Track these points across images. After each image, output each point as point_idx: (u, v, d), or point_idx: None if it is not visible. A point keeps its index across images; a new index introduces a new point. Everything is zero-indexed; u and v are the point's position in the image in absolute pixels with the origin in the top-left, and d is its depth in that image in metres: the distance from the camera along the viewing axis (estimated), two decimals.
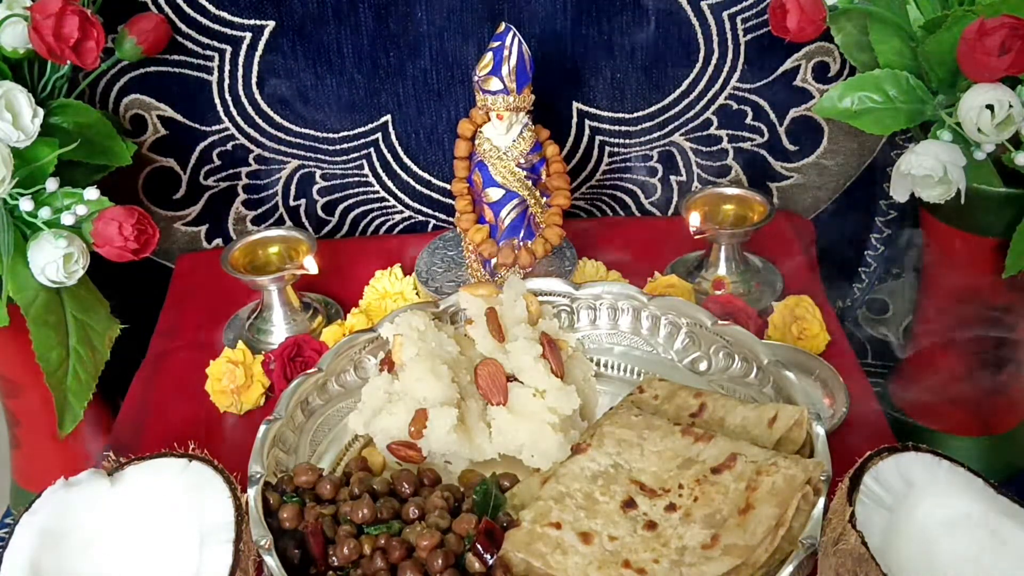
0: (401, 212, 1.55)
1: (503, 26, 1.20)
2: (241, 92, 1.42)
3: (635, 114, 1.47)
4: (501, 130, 1.23)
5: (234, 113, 1.44)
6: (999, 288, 1.25)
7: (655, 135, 1.49)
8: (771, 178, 1.53)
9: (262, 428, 1.03)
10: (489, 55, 1.19)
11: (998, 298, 1.28)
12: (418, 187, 1.52)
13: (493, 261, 1.27)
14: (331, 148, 1.48)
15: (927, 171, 1.13)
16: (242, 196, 1.51)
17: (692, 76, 1.44)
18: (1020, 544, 0.87)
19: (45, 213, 1.16)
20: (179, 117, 1.44)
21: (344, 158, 1.49)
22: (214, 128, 1.45)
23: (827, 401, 1.17)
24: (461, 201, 1.28)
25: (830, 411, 1.15)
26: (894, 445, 0.92)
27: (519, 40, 1.19)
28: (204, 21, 1.37)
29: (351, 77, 1.41)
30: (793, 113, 1.48)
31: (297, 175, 1.50)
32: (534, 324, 1.15)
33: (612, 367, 1.21)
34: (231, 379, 1.22)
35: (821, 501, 0.90)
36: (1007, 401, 1.39)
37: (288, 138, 1.46)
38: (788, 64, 1.43)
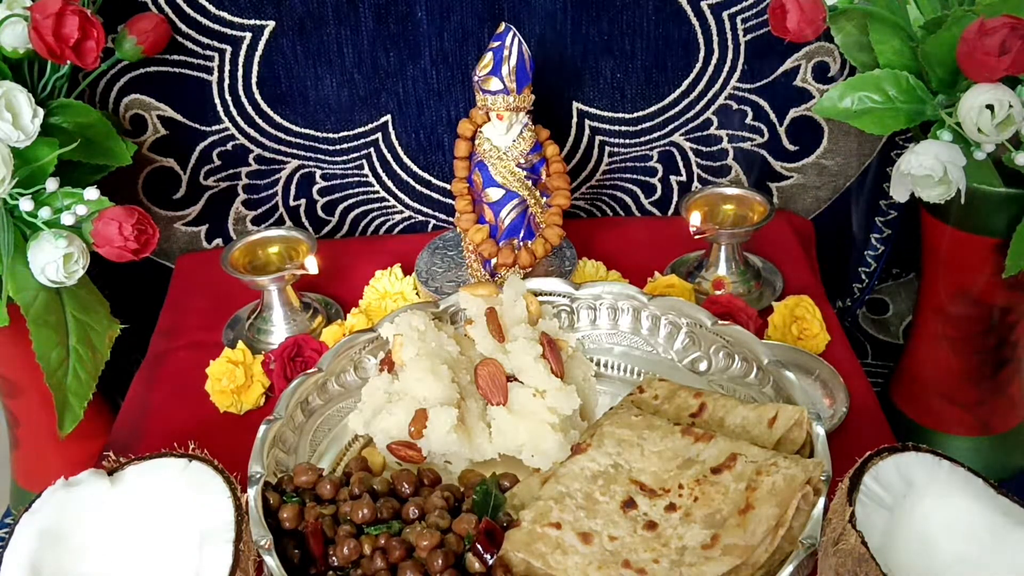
0: (401, 212, 1.55)
1: (503, 26, 1.20)
2: (241, 92, 1.42)
3: (635, 114, 1.47)
4: (501, 130, 1.23)
5: (234, 113, 1.44)
6: (999, 288, 1.25)
7: (655, 135, 1.49)
8: (771, 178, 1.54)
9: (262, 428, 1.03)
10: (489, 55, 1.19)
11: (998, 298, 1.28)
12: (418, 187, 1.52)
13: (493, 261, 1.27)
14: (331, 148, 1.48)
15: (927, 171, 1.13)
16: (242, 196, 1.51)
17: (692, 76, 1.44)
18: (1020, 544, 0.87)
19: (45, 213, 1.16)
20: (179, 117, 1.44)
21: (344, 158, 1.49)
22: (214, 128, 1.45)
23: (827, 401, 1.17)
24: (461, 201, 1.28)
25: (830, 411, 1.15)
26: (894, 445, 0.92)
27: (519, 40, 1.19)
28: (204, 21, 1.37)
29: (351, 77, 1.41)
30: (793, 113, 1.48)
31: (297, 175, 1.50)
32: (534, 324, 1.15)
33: (612, 367, 1.21)
34: (231, 379, 1.22)
35: (821, 501, 0.90)
36: (1007, 401, 1.39)
37: (288, 138, 1.46)
38: (788, 64, 1.44)
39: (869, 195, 1.54)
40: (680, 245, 1.41)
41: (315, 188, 1.52)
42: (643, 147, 1.51)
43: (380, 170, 1.50)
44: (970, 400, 1.37)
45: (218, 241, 1.54)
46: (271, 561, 0.88)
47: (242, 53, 1.39)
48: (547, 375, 1.08)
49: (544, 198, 1.28)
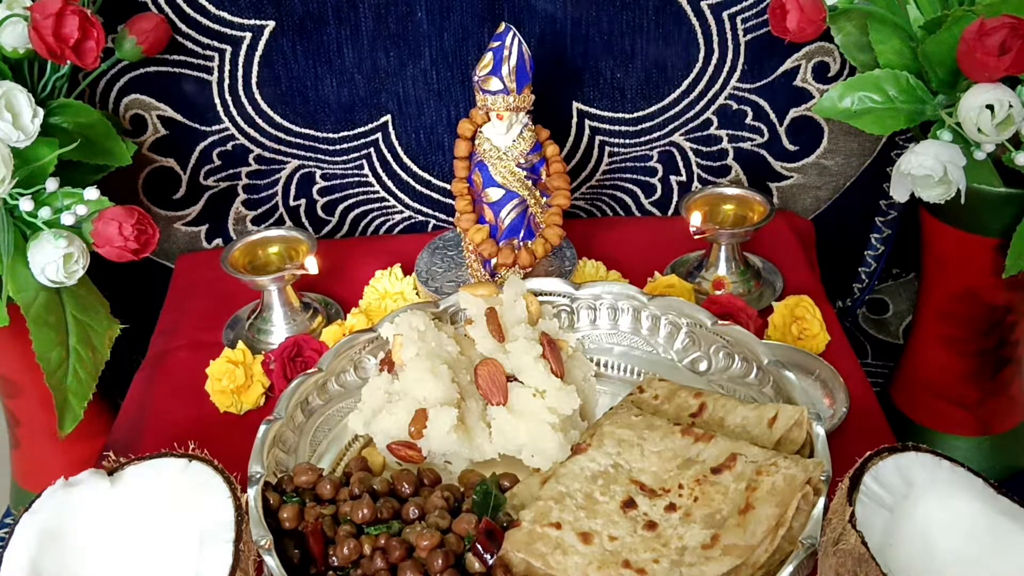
0: (401, 212, 1.55)
1: (503, 26, 1.20)
2: (241, 92, 1.42)
3: (635, 114, 1.47)
4: (501, 130, 1.23)
5: (234, 113, 1.44)
6: (999, 288, 1.25)
7: (655, 135, 1.49)
8: (771, 178, 1.54)
9: (262, 428, 1.03)
10: (489, 55, 1.19)
11: (998, 298, 1.28)
12: (418, 187, 1.52)
13: (493, 261, 1.27)
14: (331, 148, 1.48)
15: (927, 171, 1.13)
16: (242, 196, 1.51)
17: (692, 76, 1.44)
18: (1020, 544, 0.87)
19: (45, 213, 1.16)
20: (179, 117, 1.44)
21: (344, 158, 1.49)
22: (214, 128, 1.45)
23: (827, 401, 1.17)
24: (461, 201, 1.28)
25: (830, 411, 1.15)
26: (894, 445, 0.92)
27: (519, 40, 1.19)
28: (204, 21, 1.37)
29: (351, 77, 1.41)
30: (793, 113, 1.48)
31: (297, 175, 1.50)
32: (534, 324, 1.15)
33: (612, 367, 1.21)
34: (231, 379, 1.22)
35: (821, 501, 0.90)
36: (1007, 401, 1.39)
37: (288, 138, 1.46)
38: (788, 64, 1.44)
39: (869, 195, 1.54)
40: (680, 245, 1.41)
41: (315, 188, 1.52)
42: (643, 147, 1.51)
43: (380, 170, 1.50)
44: (970, 400, 1.37)
45: (218, 241, 1.54)
46: (271, 561, 0.88)
47: (242, 53, 1.39)
48: (547, 375, 1.08)
49: (544, 198, 1.28)
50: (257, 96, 1.43)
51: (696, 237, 1.33)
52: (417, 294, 1.35)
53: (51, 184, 1.16)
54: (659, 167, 1.53)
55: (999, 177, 1.19)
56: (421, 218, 1.55)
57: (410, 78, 1.42)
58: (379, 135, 1.47)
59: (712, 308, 1.22)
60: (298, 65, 1.40)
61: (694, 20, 1.40)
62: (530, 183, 1.26)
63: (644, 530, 0.93)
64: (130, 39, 1.31)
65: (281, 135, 1.46)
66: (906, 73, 1.19)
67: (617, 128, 1.49)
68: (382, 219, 1.56)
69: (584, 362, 1.17)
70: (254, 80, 1.41)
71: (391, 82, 1.42)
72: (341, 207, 1.54)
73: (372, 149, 1.48)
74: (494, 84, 1.19)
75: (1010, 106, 1.10)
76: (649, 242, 1.47)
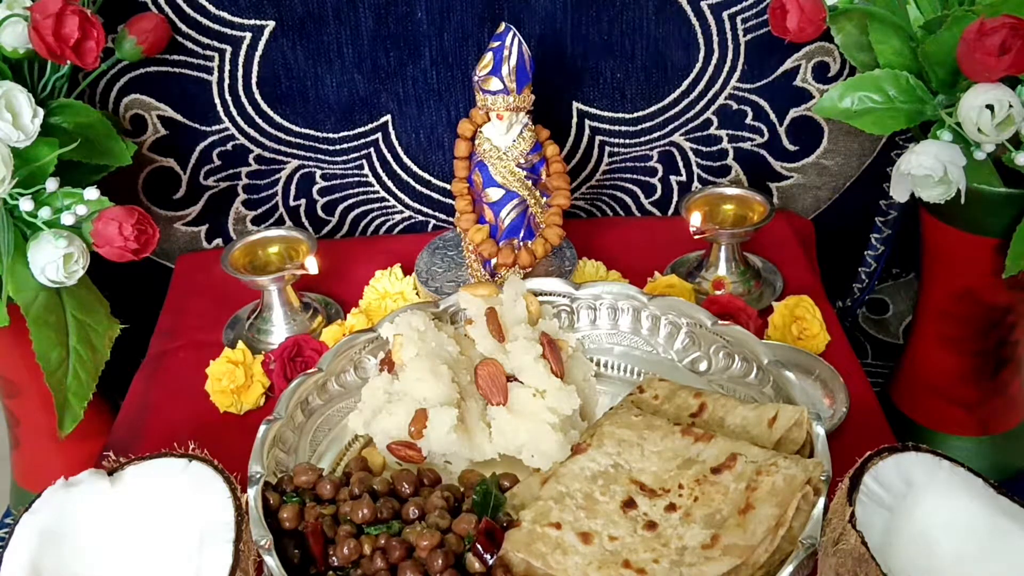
0: (401, 212, 1.55)
1: (503, 26, 1.20)
2: (241, 92, 1.42)
3: (635, 114, 1.47)
4: (501, 130, 1.23)
5: (234, 113, 1.44)
6: (999, 288, 1.25)
7: (655, 135, 1.49)
8: (771, 178, 1.54)
9: (262, 428, 1.03)
10: (489, 55, 1.19)
11: (998, 298, 1.28)
12: (418, 187, 1.52)
13: (493, 261, 1.27)
14: (331, 148, 1.48)
15: (927, 171, 1.13)
16: (242, 196, 1.51)
17: (692, 76, 1.44)
18: (1020, 544, 0.87)
19: (45, 213, 1.16)
20: (179, 117, 1.44)
21: (344, 158, 1.49)
22: (214, 128, 1.45)
23: (827, 401, 1.17)
24: (461, 201, 1.28)
25: (830, 411, 1.15)
26: (894, 445, 0.92)
27: (519, 40, 1.19)
28: (204, 21, 1.37)
29: (351, 77, 1.41)
30: (793, 113, 1.48)
31: (297, 175, 1.50)
32: (534, 324, 1.15)
33: (612, 367, 1.21)
34: (231, 379, 1.22)
35: (821, 501, 0.90)
36: (1007, 401, 1.39)
37: (288, 138, 1.46)
38: (788, 64, 1.44)
39: (869, 195, 1.54)
40: (680, 245, 1.41)
41: (315, 188, 1.52)
42: (643, 147, 1.51)
43: (380, 170, 1.50)
44: (970, 400, 1.37)
45: (218, 241, 1.54)
46: (271, 561, 0.88)
47: (242, 53, 1.39)
48: (547, 375, 1.08)
49: (544, 198, 1.28)
50: (257, 96, 1.43)
51: (696, 237, 1.33)
52: (417, 294, 1.35)
53: (51, 184, 1.16)
54: (659, 167, 1.53)
55: (999, 177, 1.19)
56: (421, 218, 1.55)
57: (410, 78, 1.42)
58: (379, 135, 1.47)
59: (712, 308, 1.22)
60: (298, 65, 1.40)
61: (694, 20, 1.40)
62: (530, 183, 1.26)
63: (644, 530, 0.93)
64: (130, 39, 1.31)
65: (281, 135, 1.46)
66: (906, 73, 1.19)
67: (617, 128, 1.49)
68: (382, 219, 1.56)
69: (584, 362, 1.16)
70: (254, 80, 1.41)
71: (391, 82, 1.42)
72: (341, 207, 1.54)
73: (372, 149, 1.48)
74: (494, 84, 1.19)
75: (1010, 106, 1.10)
76: (649, 242, 1.47)
